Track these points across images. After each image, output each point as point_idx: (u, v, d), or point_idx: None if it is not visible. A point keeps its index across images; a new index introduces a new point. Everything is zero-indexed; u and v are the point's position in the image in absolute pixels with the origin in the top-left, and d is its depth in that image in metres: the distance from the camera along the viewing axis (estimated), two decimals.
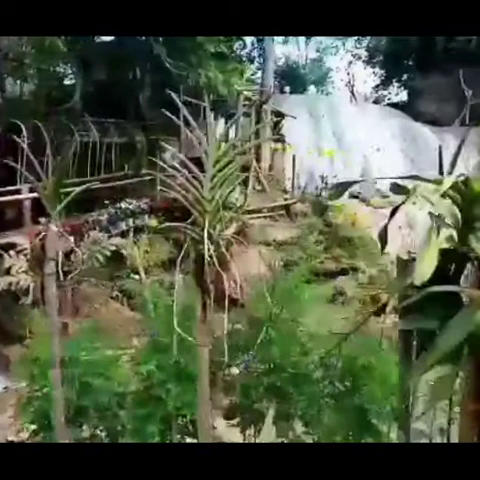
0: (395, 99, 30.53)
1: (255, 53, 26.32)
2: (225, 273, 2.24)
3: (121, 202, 13.43)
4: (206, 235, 2.14)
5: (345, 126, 21.64)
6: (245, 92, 18.25)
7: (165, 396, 3.95)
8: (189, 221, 2.29)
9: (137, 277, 10.88)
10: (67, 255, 10.68)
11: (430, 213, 1.42)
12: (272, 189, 18.36)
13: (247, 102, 18.11)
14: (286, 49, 31.94)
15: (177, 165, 2.35)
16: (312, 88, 32.16)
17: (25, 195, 10.33)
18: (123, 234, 12.34)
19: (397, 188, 1.72)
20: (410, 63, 27.77)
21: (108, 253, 10.54)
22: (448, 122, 23.20)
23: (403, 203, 1.61)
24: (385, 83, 30.91)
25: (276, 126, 19.12)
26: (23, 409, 3.74)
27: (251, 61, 26.38)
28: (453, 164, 2.03)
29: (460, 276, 1.67)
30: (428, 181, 1.48)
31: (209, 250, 2.11)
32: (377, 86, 31.89)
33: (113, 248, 10.76)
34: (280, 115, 19.73)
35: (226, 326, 2.16)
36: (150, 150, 15.09)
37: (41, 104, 15.96)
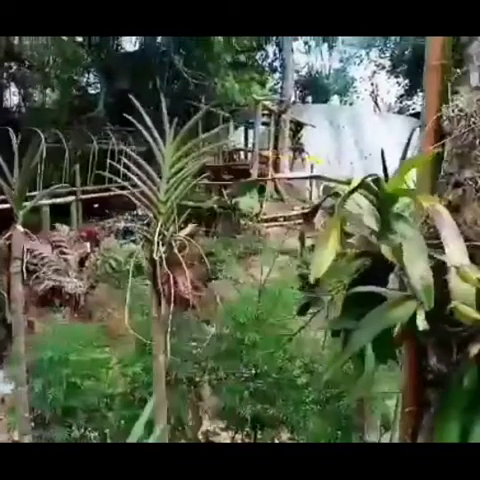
0: (419, 109, 30.21)
1: (277, 63, 26.41)
2: (178, 274, 2.29)
3: (137, 209, 13.64)
4: (157, 236, 2.19)
5: (367, 136, 21.55)
6: (266, 102, 18.37)
7: (150, 397, 4.00)
8: (145, 222, 2.34)
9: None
10: (82, 260, 10.92)
11: (324, 208, 1.44)
12: (291, 198, 18.36)
13: (266, 111, 18.22)
14: (309, 59, 31.96)
15: (135, 168, 2.42)
16: (335, 98, 32.10)
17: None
18: (135, 241, 12.50)
19: (328, 190, 1.74)
20: None
21: (121, 259, 10.68)
22: None
23: (319, 205, 1.63)
24: (409, 93, 30.69)
25: (295, 135, 19.16)
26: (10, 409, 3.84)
27: (274, 71, 26.48)
28: (403, 158, 2.05)
29: (386, 276, 1.68)
30: (336, 181, 1.50)
31: (158, 251, 2.16)
32: (401, 96, 31.68)
33: (126, 254, 10.90)
34: (300, 125, 19.76)
35: (170, 326, 2.21)
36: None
37: (64, 113, 16.34)
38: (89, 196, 14.35)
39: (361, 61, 32.67)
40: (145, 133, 2.44)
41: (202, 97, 14.29)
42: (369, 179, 1.47)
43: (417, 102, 31.46)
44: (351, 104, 32.07)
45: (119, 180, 2.49)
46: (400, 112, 30.32)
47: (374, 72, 31.59)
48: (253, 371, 4.05)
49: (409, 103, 31.29)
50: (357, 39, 29.01)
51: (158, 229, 2.20)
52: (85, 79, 20.36)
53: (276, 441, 4.28)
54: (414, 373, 1.78)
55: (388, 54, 30.29)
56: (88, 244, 11.65)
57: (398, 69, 29.75)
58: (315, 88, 30.34)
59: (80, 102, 17.99)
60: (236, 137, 19.85)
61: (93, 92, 21.67)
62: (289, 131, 18.96)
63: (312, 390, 4.17)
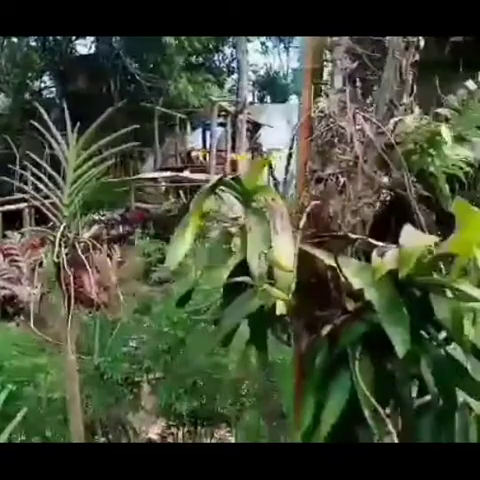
0: None
1: (235, 64, 26.53)
2: (83, 275, 2.35)
3: (94, 214, 13.54)
4: (59, 239, 2.26)
5: None
6: (223, 103, 18.45)
7: (85, 400, 4.04)
8: (49, 225, 2.40)
9: None
10: (34, 268, 10.78)
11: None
12: None
13: (223, 112, 18.30)
14: (267, 59, 32.22)
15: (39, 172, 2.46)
16: (294, 97, 32.42)
17: None
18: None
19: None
20: None
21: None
22: None
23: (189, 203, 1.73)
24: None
25: (252, 136, 19.32)
26: None
27: (231, 72, 26.58)
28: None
29: None
30: (197, 181, 1.60)
31: (59, 253, 2.22)
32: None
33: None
34: (257, 125, 19.92)
35: (70, 324, 2.27)
36: (124, 161, 15.23)
37: (16, 118, 16.10)
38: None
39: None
40: (49, 137, 2.50)
41: (156, 99, 14.30)
42: (229, 177, 1.57)
43: None
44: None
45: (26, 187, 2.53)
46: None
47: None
48: (188, 368, 4.13)
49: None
50: None
51: (60, 232, 2.27)
52: (39, 83, 20.08)
53: (216, 436, 4.38)
54: (297, 357, 1.89)
55: None
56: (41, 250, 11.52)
57: None
58: (273, 88, 30.60)
59: (33, 107, 17.73)
60: (194, 138, 19.90)
61: (49, 96, 21.40)
62: (246, 131, 19.08)
63: (249, 384, 4.28)
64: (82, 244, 2.31)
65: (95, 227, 4.24)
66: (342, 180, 1.75)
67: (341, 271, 1.53)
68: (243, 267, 1.76)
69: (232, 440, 4.31)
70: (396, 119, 1.60)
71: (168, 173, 15.00)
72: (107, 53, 16.43)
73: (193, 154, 18.18)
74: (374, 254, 1.48)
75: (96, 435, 4.20)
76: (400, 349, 1.22)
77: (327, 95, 1.88)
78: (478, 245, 1.23)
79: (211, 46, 19.95)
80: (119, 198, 13.63)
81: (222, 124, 18.71)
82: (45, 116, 2.51)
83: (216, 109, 17.58)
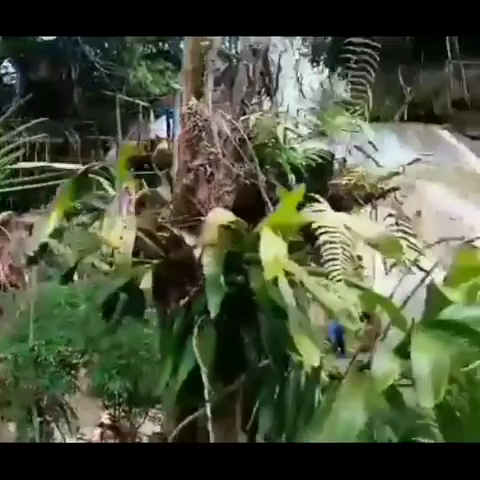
0: (344, 96, 31.12)
1: None
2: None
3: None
4: None
5: None
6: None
7: (21, 381, 4.20)
8: None
9: None
10: None
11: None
12: None
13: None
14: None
15: None
16: None
17: None
18: None
19: None
20: (352, 61, 28.30)
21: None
22: (389, 118, 23.87)
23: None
24: (331, 81, 31.54)
25: None
26: None
27: None
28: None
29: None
30: (65, 168, 1.80)
31: None
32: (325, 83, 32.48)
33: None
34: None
35: None
36: (85, 150, 15.19)
37: None
38: None
39: (285, 49, 33.16)
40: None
41: (118, 88, 14.27)
42: (96, 167, 1.76)
43: (340, 90, 32.37)
44: (275, 91, 32.52)
45: None
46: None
47: (297, 60, 32.19)
48: (122, 350, 4.31)
49: (333, 90, 32.12)
50: None
51: None
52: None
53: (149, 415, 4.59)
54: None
55: (309, 43, 30.91)
56: None
57: (319, 58, 30.45)
58: None
59: None
60: (158, 126, 19.85)
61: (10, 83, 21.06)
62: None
63: None
64: None
65: (4, 214, 4.35)
66: (209, 170, 1.95)
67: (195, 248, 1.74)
68: None
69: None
70: (244, 117, 1.81)
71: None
72: (67, 40, 16.25)
73: (160, 147, 18.11)
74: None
75: (33, 415, 4.37)
76: (213, 311, 1.45)
77: (201, 94, 2.08)
78: (287, 225, 1.45)
79: None
80: None
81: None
82: None
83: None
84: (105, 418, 4.83)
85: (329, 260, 1.61)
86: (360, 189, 2.36)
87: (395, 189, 2.44)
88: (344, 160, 2.14)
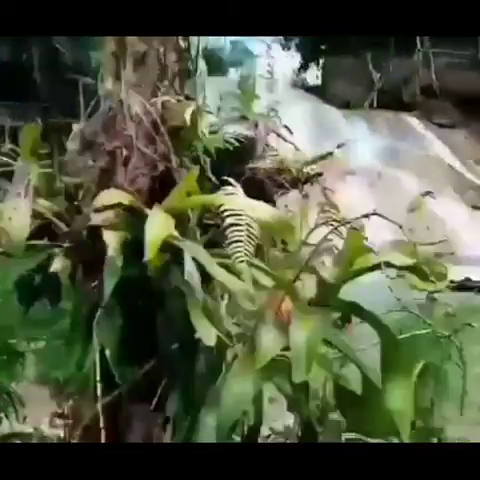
0: (315, 82, 31.18)
1: None
2: None
3: None
4: None
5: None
6: None
7: None
8: None
9: None
10: None
11: None
12: None
13: None
14: None
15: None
16: (232, 71, 32.32)
17: None
18: None
19: None
20: (323, 46, 28.40)
21: None
22: (359, 105, 24.01)
23: None
24: (304, 66, 31.50)
25: None
26: None
27: None
28: None
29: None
30: None
31: None
32: (299, 70, 32.39)
33: None
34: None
35: None
36: (46, 133, 14.88)
37: None
38: None
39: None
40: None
41: (79, 70, 14.01)
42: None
43: (312, 75, 32.44)
44: (248, 77, 32.34)
45: None
46: (296, 85, 30.99)
47: (269, 45, 32.00)
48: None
49: (305, 76, 32.08)
50: None
51: None
52: None
53: None
54: None
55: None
56: None
57: (290, 43, 30.37)
58: (211, 61, 30.35)
59: None
60: None
61: None
62: None
63: None
64: None
65: None
66: (125, 153, 1.95)
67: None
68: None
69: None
70: (154, 100, 1.82)
71: None
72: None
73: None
74: None
75: None
76: (106, 294, 1.47)
77: (117, 76, 2.06)
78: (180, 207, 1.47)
79: None
80: None
81: None
82: None
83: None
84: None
85: (233, 242, 1.64)
86: (286, 173, 2.39)
87: (320, 174, 2.48)
88: (267, 145, 2.17)
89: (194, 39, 2.08)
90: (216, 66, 30.42)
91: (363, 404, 1.56)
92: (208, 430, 1.46)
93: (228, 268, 1.66)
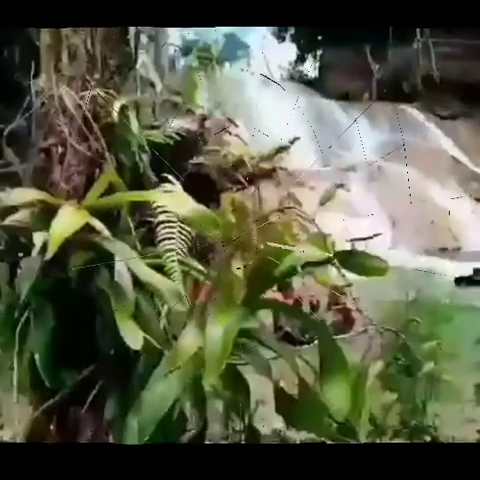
0: (312, 75, 30.85)
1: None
2: None
3: None
4: None
5: (249, 101, 21.75)
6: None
7: None
8: None
9: None
10: None
11: None
12: None
13: None
14: None
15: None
16: (226, 65, 31.98)
17: None
18: None
19: None
20: (319, 38, 28.10)
21: None
22: (358, 97, 23.73)
23: None
24: (300, 59, 31.20)
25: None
26: None
27: (151, 39, 25.88)
28: None
29: None
30: None
31: None
32: (296, 62, 32.05)
33: None
34: (179, 93, 19.74)
35: None
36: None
37: None
38: None
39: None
40: None
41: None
42: None
43: (309, 68, 32.06)
44: (242, 70, 32.13)
45: None
46: (292, 78, 30.70)
47: (264, 37, 31.70)
48: None
49: (301, 69, 31.76)
50: None
51: None
52: None
53: None
54: None
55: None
56: None
57: (285, 34, 30.05)
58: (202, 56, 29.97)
59: None
60: None
61: None
62: None
63: None
64: None
65: None
66: (60, 150, 1.89)
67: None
68: None
69: None
70: (82, 93, 1.75)
71: None
72: None
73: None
74: None
75: None
76: (23, 294, 1.42)
77: (59, 71, 2.00)
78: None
79: None
80: None
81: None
82: None
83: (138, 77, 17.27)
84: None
85: (164, 239, 1.58)
86: (242, 168, 2.32)
87: (281, 169, 2.41)
88: (206, 140, 2.10)
89: (133, 30, 2.01)
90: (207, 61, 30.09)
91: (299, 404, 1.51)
92: (132, 432, 1.41)
93: (161, 267, 1.60)
